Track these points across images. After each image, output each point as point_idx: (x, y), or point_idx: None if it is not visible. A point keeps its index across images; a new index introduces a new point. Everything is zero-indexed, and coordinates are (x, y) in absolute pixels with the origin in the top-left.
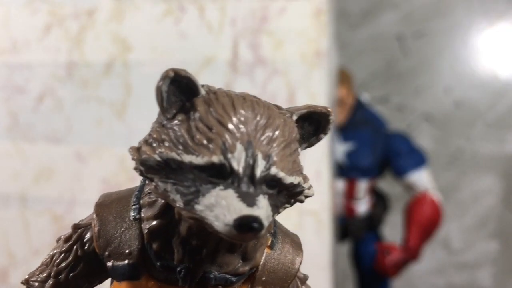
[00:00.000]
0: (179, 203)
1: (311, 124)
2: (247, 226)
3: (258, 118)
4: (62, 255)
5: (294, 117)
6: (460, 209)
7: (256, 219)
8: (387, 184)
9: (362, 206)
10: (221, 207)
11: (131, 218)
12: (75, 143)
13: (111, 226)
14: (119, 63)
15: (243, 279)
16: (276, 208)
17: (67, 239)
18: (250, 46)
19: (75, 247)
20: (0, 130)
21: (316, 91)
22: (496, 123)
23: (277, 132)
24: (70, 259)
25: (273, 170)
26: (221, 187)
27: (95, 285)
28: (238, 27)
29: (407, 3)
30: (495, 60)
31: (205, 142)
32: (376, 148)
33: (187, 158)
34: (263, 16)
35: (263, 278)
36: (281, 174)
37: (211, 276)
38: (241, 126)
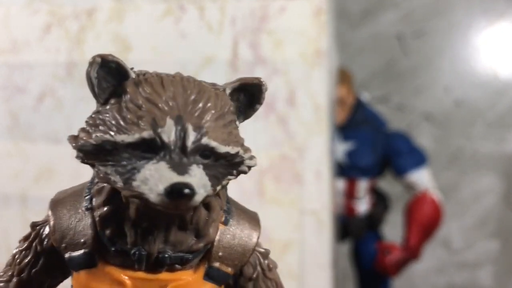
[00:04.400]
0: (120, 183)
1: (246, 96)
2: (177, 193)
3: (188, 93)
4: (23, 253)
5: (228, 91)
6: (461, 209)
7: (186, 185)
8: (387, 184)
9: (362, 206)
10: (154, 179)
11: (84, 208)
12: None
13: (65, 219)
14: None
15: (199, 256)
16: (217, 179)
17: (26, 238)
18: (250, 45)
19: (34, 244)
20: (1, 130)
21: (316, 90)
22: (496, 122)
23: (208, 104)
24: (30, 256)
25: (205, 140)
26: (154, 161)
27: (59, 281)
28: (238, 26)
29: (407, 2)
30: (495, 59)
31: (135, 120)
32: (376, 147)
33: (120, 137)
34: (263, 16)
35: (220, 254)
36: (214, 144)
37: (166, 256)
38: (170, 101)
